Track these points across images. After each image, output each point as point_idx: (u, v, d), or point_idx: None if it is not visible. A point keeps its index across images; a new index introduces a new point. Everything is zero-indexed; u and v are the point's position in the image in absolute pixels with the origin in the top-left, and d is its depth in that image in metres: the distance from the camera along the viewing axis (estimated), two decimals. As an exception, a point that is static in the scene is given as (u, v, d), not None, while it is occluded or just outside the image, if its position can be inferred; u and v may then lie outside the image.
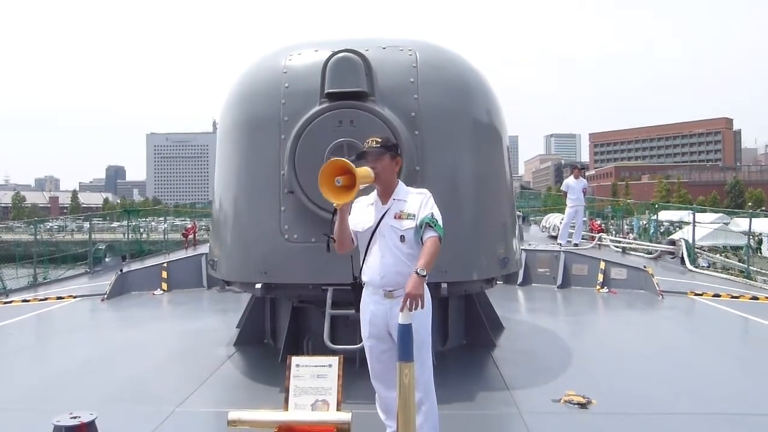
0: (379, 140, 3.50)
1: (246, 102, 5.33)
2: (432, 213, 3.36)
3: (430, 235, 3.31)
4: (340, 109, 4.86)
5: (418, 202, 3.41)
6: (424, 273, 3.17)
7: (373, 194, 3.53)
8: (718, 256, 15.91)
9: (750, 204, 67.37)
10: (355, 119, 4.83)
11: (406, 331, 3.00)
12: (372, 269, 3.43)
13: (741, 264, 14.23)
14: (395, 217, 3.40)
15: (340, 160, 3.24)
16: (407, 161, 4.64)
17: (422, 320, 3.37)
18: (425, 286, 3.32)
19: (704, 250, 15.81)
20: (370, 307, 3.47)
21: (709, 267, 14.05)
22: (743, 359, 5.99)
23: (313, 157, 4.82)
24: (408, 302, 3.10)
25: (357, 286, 3.61)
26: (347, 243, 3.49)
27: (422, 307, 3.17)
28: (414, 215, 3.37)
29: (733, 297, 9.04)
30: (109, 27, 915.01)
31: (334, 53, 4.89)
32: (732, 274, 12.81)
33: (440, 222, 3.35)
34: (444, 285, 4.84)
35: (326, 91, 4.88)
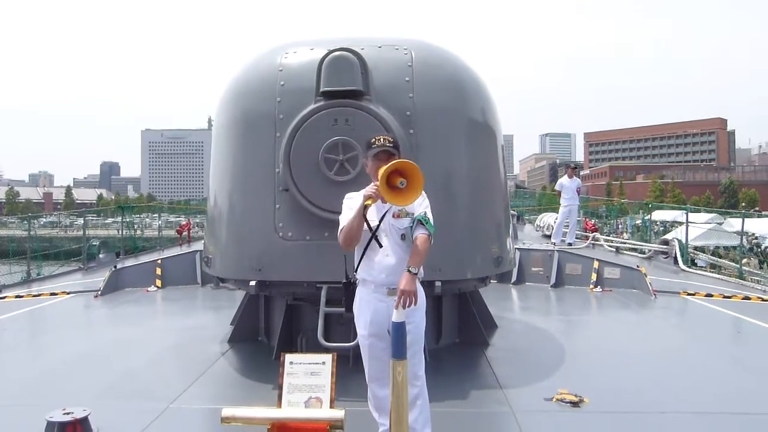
0: (391, 140, 3.52)
1: (241, 99, 5.33)
2: (425, 212, 3.41)
3: (420, 232, 3.35)
4: (335, 107, 4.86)
5: (416, 201, 3.43)
6: (415, 271, 3.20)
7: None
8: (707, 255, 15.95)
9: (744, 204, 67.65)
10: (351, 118, 4.83)
11: (399, 328, 3.02)
12: (377, 267, 3.42)
13: (734, 264, 14.30)
14: (394, 216, 3.43)
15: (406, 161, 3.21)
16: (402, 160, 4.65)
17: (417, 318, 3.39)
18: (419, 284, 3.35)
19: (698, 251, 15.88)
20: (373, 305, 3.46)
21: (705, 267, 14.12)
22: (735, 358, 6.03)
23: (307, 156, 4.83)
24: (402, 300, 3.11)
25: (349, 285, 3.63)
26: (357, 240, 3.47)
27: (415, 304, 3.19)
28: (412, 214, 3.41)
29: (725, 297, 9.09)
30: (105, 22, 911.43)
31: (330, 52, 4.90)
32: (725, 274, 12.88)
33: (432, 220, 3.40)
34: (438, 283, 4.85)
35: (322, 90, 4.89)
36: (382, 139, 3.48)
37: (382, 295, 3.42)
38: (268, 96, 5.08)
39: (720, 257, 16.15)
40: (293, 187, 4.89)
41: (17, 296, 9.70)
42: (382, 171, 3.18)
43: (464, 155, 5.29)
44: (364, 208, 3.29)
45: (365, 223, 3.34)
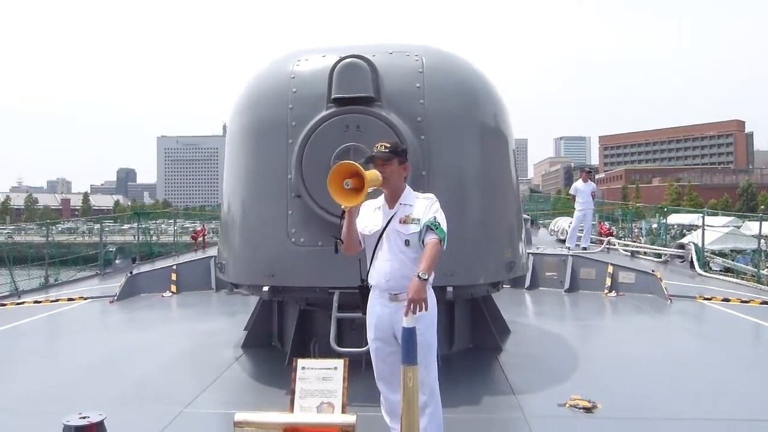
0: (389, 145, 3.55)
1: (254, 106, 5.39)
2: (435, 216, 3.38)
3: (430, 237, 3.33)
4: (346, 114, 4.90)
5: (423, 206, 3.44)
6: (426, 277, 3.17)
7: (381, 198, 3.57)
8: (722, 259, 15.74)
9: (763, 207, 66.66)
10: (362, 124, 4.87)
11: (409, 334, 3.03)
12: (378, 272, 3.46)
13: (752, 268, 14.11)
14: (401, 222, 3.43)
15: (349, 162, 3.28)
16: (413, 166, 4.66)
17: (427, 323, 3.39)
18: (430, 290, 3.35)
19: (715, 254, 15.69)
20: (376, 310, 3.50)
21: (721, 271, 13.92)
22: (752, 364, 5.96)
23: (319, 162, 4.86)
24: (411, 306, 3.12)
25: (364, 289, 3.64)
26: (354, 245, 3.53)
27: (425, 310, 3.19)
28: (419, 220, 3.39)
29: (743, 301, 8.96)
30: (121, 31, 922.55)
31: (342, 59, 4.94)
32: (743, 279, 12.70)
33: (443, 225, 3.36)
34: (450, 288, 4.86)
35: (333, 96, 4.93)
36: (380, 146, 3.52)
37: (386, 300, 3.45)
38: (281, 103, 5.13)
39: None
40: (305, 194, 4.93)
41: (36, 301, 9.84)
42: (330, 173, 3.26)
43: (476, 160, 5.30)
44: (342, 212, 3.38)
45: (342, 228, 3.44)
